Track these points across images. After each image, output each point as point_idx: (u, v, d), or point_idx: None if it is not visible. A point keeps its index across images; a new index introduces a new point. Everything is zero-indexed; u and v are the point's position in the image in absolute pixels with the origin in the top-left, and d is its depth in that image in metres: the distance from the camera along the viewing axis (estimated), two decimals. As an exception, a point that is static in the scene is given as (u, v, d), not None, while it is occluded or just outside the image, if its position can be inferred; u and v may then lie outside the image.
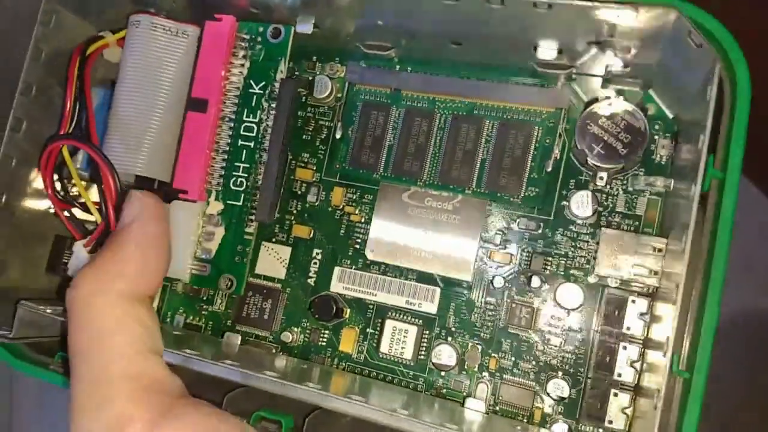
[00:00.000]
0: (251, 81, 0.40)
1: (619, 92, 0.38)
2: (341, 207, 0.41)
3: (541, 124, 0.39)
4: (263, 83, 0.40)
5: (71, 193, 0.40)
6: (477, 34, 0.36)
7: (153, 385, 0.30)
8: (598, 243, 0.37)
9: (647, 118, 0.36)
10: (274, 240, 0.42)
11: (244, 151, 0.39)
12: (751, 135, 0.32)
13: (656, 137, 0.37)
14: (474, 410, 0.37)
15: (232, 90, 0.40)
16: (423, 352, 0.39)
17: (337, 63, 0.42)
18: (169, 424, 0.29)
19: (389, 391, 0.38)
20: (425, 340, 0.39)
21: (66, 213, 0.39)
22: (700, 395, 0.31)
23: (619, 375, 0.35)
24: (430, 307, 0.39)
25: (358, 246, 0.40)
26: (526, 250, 0.38)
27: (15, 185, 0.40)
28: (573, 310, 0.37)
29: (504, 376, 0.38)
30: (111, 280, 0.32)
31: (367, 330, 0.40)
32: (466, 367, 0.38)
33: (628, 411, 0.34)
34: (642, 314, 0.35)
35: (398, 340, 0.39)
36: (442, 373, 0.38)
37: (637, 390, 0.35)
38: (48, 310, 0.37)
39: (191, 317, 0.42)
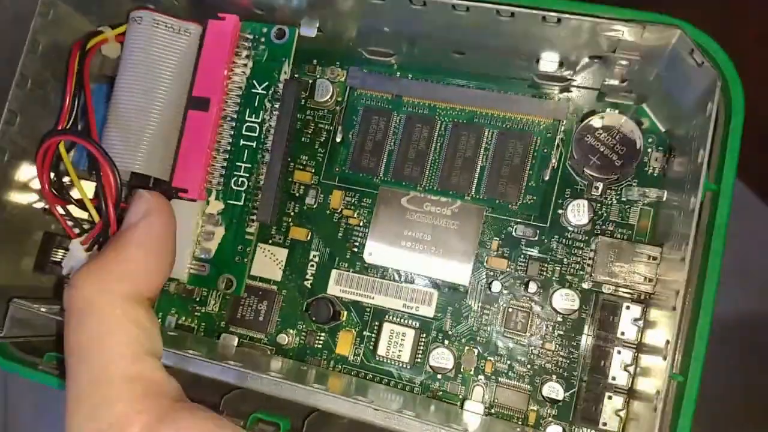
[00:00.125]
0: (254, 81, 0.40)
1: (614, 105, 0.39)
2: (340, 210, 0.41)
3: (540, 134, 0.40)
4: (266, 84, 0.40)
5: (67, 191, 0.39)
6: (481, 44, 0.37)
7: (151, 388, 0.30)
8: (593, 250, 0.38)
9: (642, 131, 0.38)
10: (270, 242, 0.42)
11: (246, 151, 0.39)
12: (748, 134, 0.33)
13: (649, 150, 0.39)
14: (472, 412, 0.37)
15: (234, 89, 0.40)
16: (420, 355, 0.39)
17: (338, 67, 0.42)
18: (166, 428, 0.29)
19: (386, 393, 0.38)
20: (422, 343, 0.39)
21: (61, 210, 0.39)
22: (693, 398, 0.33)
23: (614, 378, 0.36)
24: (428, 311, 0.40)
25: (356, 249, 0.41)
26: (522, 256, 0.39)
27: (7, 180, 0.39)
28: (568, 315, 0.38)
29: (500, 379, 0.38)
30: (113, 281, 0.31)
31: (364, 333, 0.40)
32: (462, 370, 0.39)
33: (622, 413, 0.36)
34: (636, 320, 0.36)
35: (395, 343, 0.39)
36: (439, 376, 0.39)
37: (630, 393, 0.36)
38: (42, 309, 0.36)
39: (183, 318, 0.42)
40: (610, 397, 0.36)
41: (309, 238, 0.41)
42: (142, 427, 0.28)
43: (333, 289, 0.41)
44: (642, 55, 0.35)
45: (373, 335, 0.40)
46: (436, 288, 0.40)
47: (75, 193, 0.39)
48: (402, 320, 0.40)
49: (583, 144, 0.38)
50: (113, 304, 0.31)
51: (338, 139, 0.42)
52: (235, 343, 0.41)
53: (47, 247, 0.42)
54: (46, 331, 0.39)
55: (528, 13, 0.33)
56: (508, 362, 0.39)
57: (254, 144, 0.39)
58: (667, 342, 0.31)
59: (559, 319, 0.38)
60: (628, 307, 0.36)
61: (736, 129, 0.34)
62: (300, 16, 0.40)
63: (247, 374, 0.34)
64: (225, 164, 0.39)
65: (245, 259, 0.39)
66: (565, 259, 0.39)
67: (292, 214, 0.42)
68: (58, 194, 0.39)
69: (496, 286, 0.39)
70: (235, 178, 0.39)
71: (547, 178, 0.39)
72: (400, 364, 0.39)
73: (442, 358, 0.39)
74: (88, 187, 0.38)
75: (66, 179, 0.39)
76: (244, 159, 0.39)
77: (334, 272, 0.41)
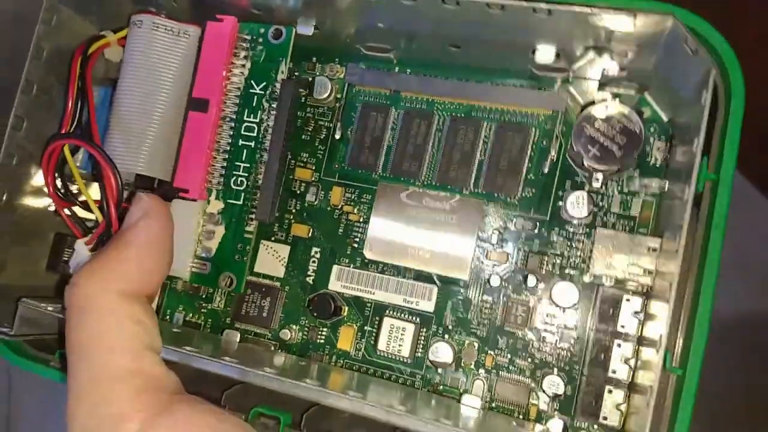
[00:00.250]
0: (252, 81, 0.40)
1: (615, 95, 0.39)
2: (340, 206, 0.41)
3: (539, 126, 0.39)
4: (264, 84, 0.40)
5: (72, 192, 0.40)
6: (476, 37, 0.37)
7: (151, 383, 0.30)
8: (593, 242, 0.37)
9: (643, 120, 0.37)
10: (273, 239, 0.42)
11: (245, 151, 0.40)
12: (749, 133, 0.32)
13: (651, 140, 0.38)
14: (470, 407, 0.37)
15: (233, 90, 0.40)
16: (420, 350, 0.39)
17: (336, 64, 0.43)
18: (166, 422, 0.29)
19: (387, 388, 0.38)
20: (422, 337, 0.40)
21: (67, 211, 0.40)
22: (693, 392, 0.32)
23: (614, 372, 0.36)
24: (428, 306, 0.40)
25: (356, 245, 0.41)
26: (522, 249, 0.39)
27: (16, 184, 0.41)
28: (568, 308, 0.38)
29: (500, 373, 0.38)
30: (113, 279, 0.32)
31: (365, 328, 0.40)
32: (462, 364, 0.39)
33: (623, 407, 0.35)
34: (636, 313, 0.36)
35: (396, 338, 0.39)
36: (439, 371, 0.39)
37: (631, 387, 0.35)
38: (49, 308, 0.37)
39: (191, 315, 0.43)
40: (610, 391, 0.35)
41: (310, 234, 0.42)
42: (142, 420, 0.29)
43: (334, 285, 0.41)
44: (638, 44, 0.34)
45: (374, 330, 0.40)
46: (436, 283, 0.40)
47: (81, 195, 0.40)
48: (402, 315, 0.40)
49: (582, 135, 0.37)
50: (113, 301, 0.32)
51: (337, 136, 0.42)
52: (238, 339, 0.41)
53: (59, 247, 0.43)
54: (54, 329, 0.40)
55: (518, 6, 0.33)
56: (509, 356, 0.38)
57: (253, 144, 0.40)
58: (660, 336, 0.30)
59: (560, 312, 0.38)
60: (628, 300, 0.36)
61: (735, 117, 0.33)
62: (297, 15, 0.40)
63: (245, 370, 0.34)
64: (225, 164, 0.40)
65: (245, 258, 0.40)
66: (565, 252, 0.38)
67: (294, 211, 0.42)
68: (64, 196, 0.40)
69: (496, 280, 0.39)
70: (235, 178, 0.40)
71: (546, 170, 0.39)
72: (401, 359, 0.39)
73: (441, 352, 0.39)
74: (96, 189, 0.39)
75: (72, 181, 0.40)
76: (243, 159, 0.40)
77: (335, 268, 0.41)
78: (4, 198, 0.40)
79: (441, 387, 0.39)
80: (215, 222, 0.40)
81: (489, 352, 0.39)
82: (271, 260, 0.42)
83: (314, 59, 0.43)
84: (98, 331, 0.31)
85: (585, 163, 0.37)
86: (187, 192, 0.39)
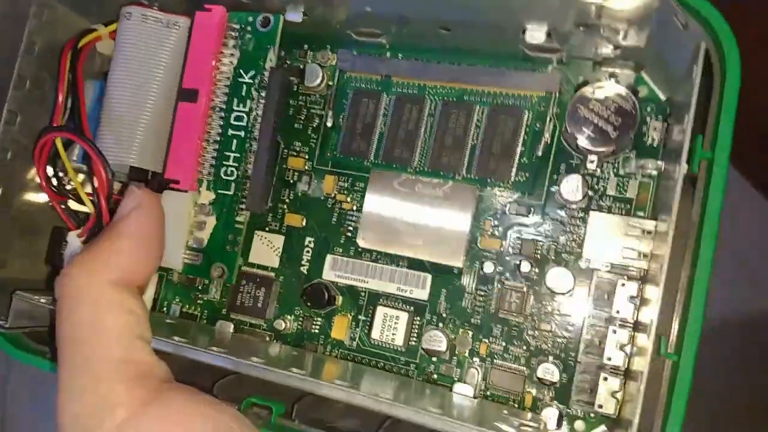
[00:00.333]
0: (241, 70, 0.40)
1: (611, 75, 0.37)
2: (333, 195, 0.41)
3: (532, 108, 0.38)
4: (253, 72, 0.40)
5: (66, 185, 0.40)
6: (464, 18, 0.36)
7: (141, 371, 0.31)
8: (588, 227, 0.36)
9: (639, 101, 0.36)
10: (267, 229, 0.42)
11: (235, 141, 0.40)
12: (748, 133, 0.31)
13: (648, 119, 0.37)
14: (462, 395, 0.36)
15: (222, 80, 0.40)
16: (414, 338, 0.39)
17: (328, 51, 0.42)
18: (155, 409, 0.29)
19: (381, 377, 0.38)
20: (416, 326, 0.39)
21: (61, 204, 0.40)
22: (688, 378, 0.31)
23: (609, 359, 0.35)
24: (422, 294, 0.39)
25: (350, 234, 0.40)
26: (516, 235, 0.38)
27: (12, 178, 0.41)
28: (563, 294, 0.37)
29: (495, 361, 0.38)
30: (103, 270, 0.32)
31: (359, 317, 0.40)
32: (456, 352, 0.38)
33: (618, 395, 0.34)
34: (632, 298, 0.35)
35: (389, 327, 0.39)
36: (433, 359, 0.38)
37: (627, 374, 0.34)
38: (42, 300, 0.37)
39: (187, 306, 0.43)
40: (605, 379, 0.34)
41: (304, 224, 0.41)
42: (132, 407, 0.29)
43: (328, 275, 0.40)
44: (629, 20, 0.33)
45: (369, 319, 0.40)
46: (430, 270, 0.39)
47: (74, 188, 0.40)
48: (396, 304, 0.39)
49: (576, 116, 0.36)
50: (103, 291, 0.32)
51: (329, 124, 0.41)
52: (231, 330, 0.41)
53: (57, 240, 0.44)
54: (48, 321, 0.40)
55: (501, -17, 0.32)
56: (503, 344, 0.38)
57: (242, 133, 0.40)
58: (651, 320, 0.29)
59: (555, 298, 0.37)
60: (623, 285, 0.35)
61: (731, 92, 0.32)
62: (286, 2, 0.40)
63: (235, 360, 0.34)
64: (215, 154, 0.40)
65: (236, 248, 0.40)
66: (560, 237, 0.37)
67: (287, 200, 0.42)
68: (57, 189, 0.40)
69: (490, 267, 0.38)
70: (225, 168, 0.40)
71: (540, 153, 0.38)
72: (395, 348, 0.39)
73: (434, 340, 0.38)
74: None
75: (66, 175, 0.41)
76: (233, 149, 0.40)
77: (329, 257, 0.41)
78: (0, 192, 0.40)
79: (435, 376, 0.38)
80: (206, 213, 0.40)
81: (483, 339, 0.38)
82: (266, 250, 0.42)
83: (305, 46, 0.42)
84: (89, 320, 0.31)
85: (579, 145, 0.36)
86: (178, 183, 0.39)
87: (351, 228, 0.40)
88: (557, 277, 0.37)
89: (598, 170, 0.37)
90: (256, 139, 0.39)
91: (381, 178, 0.40)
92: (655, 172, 0.36)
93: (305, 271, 0.41)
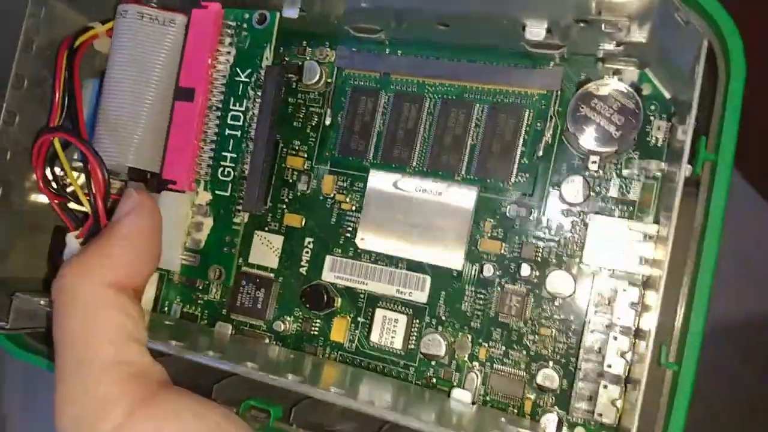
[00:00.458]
0: (237, 69, 0.39)
1: (615, 72, 0.36)
2: (332, 195, 0.40)
3: (533, 106, 0.37)
4: (249, 71, 0.39)
5: (65, 185, 0.40)
6: (462, 15, 0.35)
7: (137, 372, 0.31)
8: (589, 229, 0.35)
9: (642, 99, 0.35)
10: (266, 229, 0.41)
11: (231, 141, 0.39)
12: (749, 140, 0.30)
13: (652, 119, 0.36)
14: (460, 401, 0.36)
15: (218, 78, 0.39)
16: (413, 342, 0.38)
17: (327, 47, 0.41)
18: (151, 410, 0.30)
19: (379, 382, 0.37)
20: (415, 329, 0.38)
21: (61, 204, 0.40)
22: (688, 389, 0.30)
23: (609, 366, 0.34)
24: (421, 296, 0.38)
25: (349, 234, 0.40)
26: (516, 237, 0.37)
27: (13, 178, 0.41)
28: (563, 298, 0.36)
29: (494, 365, 0.37)
30: (100, 271, 0.32)
31: (359, 319, 0.39)
32: (456, 356, 0.38)
33: (619, 403, 0.33)
34: (633, 304, 0.34)
35: (388, 330, 0.38)
36: (432, 363, 0.38)
37: (627, 382, 0.34)
38: (42, 302, 0.37)
39: (187, 306, 0.43)
40: (605, 386, 0.34)
41: (303, 224, 0.41)
42: (127, 409, 0.29)
43: (327, 276, 0.40)
44: (630, 16, 0.32)
45: (367, 322, 0.39)
46: (429, 273, 0.38)
47: (73, 188, 0.40)
48: (395, 306, 0.39)
49: (577, 115, 0.35)
50: (99, 293, 0.32)
51: (328, 123, 0.41)
52: (230, 332, 0.41)
53: (59, 240, 0.44)
54: (47, 322, 0.40)
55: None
56: (503, 348, 0.37)
57: (239, 133, 0.39)
58: (649, 329, 0.28)
59: (555, 303, 0.36)
60: (624, 290, 0.34)
61: (735, 92, 0.31)
62: (283, -2, 0.39)
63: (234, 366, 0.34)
64: (212, 154, 0.39)
65: (233, 250, 0.39)
66: (560, 240, 0.36)
67: (287, 200, 0.41)
68: (56, 190, 0.40)
69: (490, 270, 0.37)
70: (222, 168, 0.39)
71: (541, 153, 0.37)
72: (394, 351, 0.38)
73: (433, 344, 0.37)
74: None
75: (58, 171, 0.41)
76: (230, 149, 0.39)
77: (328, 258, 0.40)
78: (0, 192, 0.40)
79: (434, 380, 0.38)
80: (204, 213, 0.39)
81: (483, 343, 0.37)
82: (265, 251, 0.41)
83: (304, 43, 0.42)
84: (85, 321, 0.31)
85: (581, 145, 0.35)
86: (176, 183, 0.39)
87: (350, 229, 0.40)
88: (558, 280, 0.36)
89: (600, 171, 0.36)
90: (253, 139, 0.39)
91: (380, 178, 0.39)
92: (658, 174, 0.35)
93: (304, 272, 0.41)
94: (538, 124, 0.37)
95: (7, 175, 0.40)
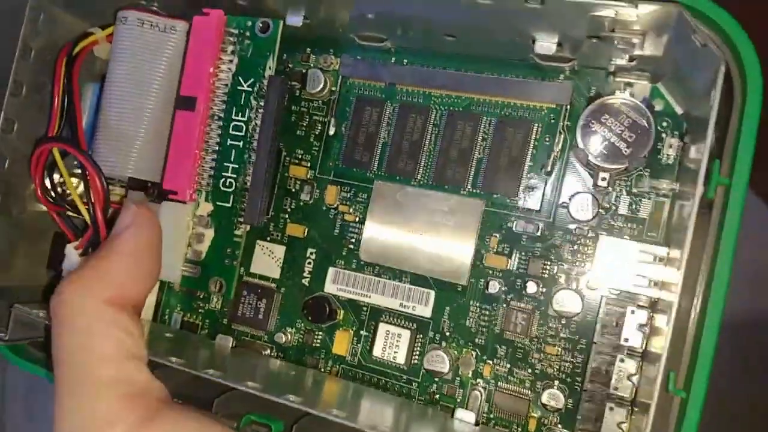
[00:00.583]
0: (240, 78, 0.38)
1: (627, 85, 0.35)
2: (335, 206, 0.40)
3: (541, 120, 0.36)
4: (252, 80, 0.38)
5: (64, 195, 0.40)
6: (468, 26, 0.34)
7: (136, 390, 0.30)
8: (598, 249, 0.35)
9: (655, 115, 0.34)
10: (268, 239, 0.41)
11: (233, 151, 0.38)
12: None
13: (664, 136, 0.35)
14: (463, 422, 0.35)
15: (220, 87, 0.39)
16: (416, 357, 0.38)
17: (331, 55, 0.40)
18: (150, 429, 0.29)
19: (382, 398, 0.37)
20: (419, 344, 0.38)
21: (60, 214, 0.39)
22: (696, 417, 0.30)
23: (616, 389, 0.33)
24: (424, 311, 0.38)
25: (352, 246, 0.39)
26: (523, 253, 0.37)
27: (12, 185, 0.40)
28: (570, 317, 0.35)
29: (498, 383, 0.36)
30: (97, 288, 0.32)
31: (361, 332, 0.39)
32: (459, 373, 0.37)
33: (624, 426, 0.33)
34: (641, 326, 0.33)
35: (391, 344, 0.38)
36: (436, 379, 0.37)
37: (634, 405, 0.33)
38: (41, 314, 0.37)
39: (188, 315, 0.42)
40: (612, 409, 0.33)
41: (306, 234, 0.40)
42: (126, 427, 0.29)
43: (330, 288, 0.39)
44: (644, 33, 0.31)
45: (370, 335, 0.39)
46: (434, 287, 0.38)
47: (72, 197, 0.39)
48: (398, 321, 0.38)
49: (587, 131, 0.35)
50: (97, 309, 0.31)
51: (332, 132, 0.40)
52: (230, 344, 0.40)
53: (59, 247, 0.43)
54: (47, 333, 0.40)
55: (506, -4, 0.30)
56: (508, 366, 0.36)
57: (241, 144, 0.38)
58: (660, 356, 0.28)
59: (561, 321, 0.36)
60: (633, 312, 0.33)
61: (751, 116, 0.30)
62: (286, 5, 0.38)
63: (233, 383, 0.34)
64: (214, 165, 0.39)
65: (234, 262, 0.39)
66: (568, 258, 0.36)
67: (289, 210, 0.41)
68: (55, 200, 0.39)
69: (495, 286, 0.37)
70: (223, 179, 0.39)
71: (549, 168, 0.36)
72: (397, 366, 0.38)
73: (436, 361, 0.37)
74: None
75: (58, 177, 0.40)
76: (232, 159, 0.38)
77: (331, 270, 0.40)
78: (-1, 200, 0.40)
79: (437, 396, 0.37)
80: (205, 225, 0.39)
81: (487, 361, 0.37)
82: (267, 260, 0.41)
83: (308, 50, 0.41)
84: (83, 338, 0.31)
85: (590, 162, 0.35)
86: (176, 194, 0.38)
87: (353, 240, 0.39)
88: (565, 299, 0.35)
89: (610, 188, 0.35)
90: (255, 150, 0.38)
91: (384, 190, 0.38)
92: (669, 192, 0.34)
93: (307, 283, 0.40)
94: (547, 139, 0.36)
95: (7, 182, 0.40)
